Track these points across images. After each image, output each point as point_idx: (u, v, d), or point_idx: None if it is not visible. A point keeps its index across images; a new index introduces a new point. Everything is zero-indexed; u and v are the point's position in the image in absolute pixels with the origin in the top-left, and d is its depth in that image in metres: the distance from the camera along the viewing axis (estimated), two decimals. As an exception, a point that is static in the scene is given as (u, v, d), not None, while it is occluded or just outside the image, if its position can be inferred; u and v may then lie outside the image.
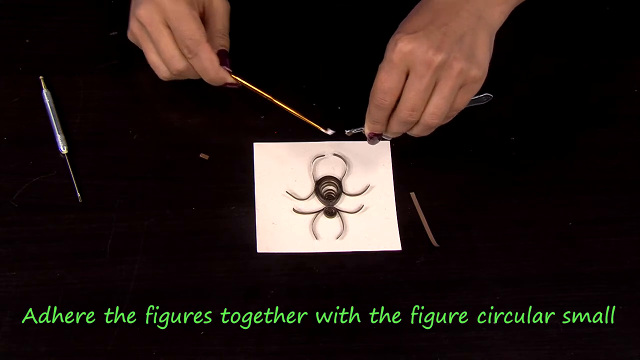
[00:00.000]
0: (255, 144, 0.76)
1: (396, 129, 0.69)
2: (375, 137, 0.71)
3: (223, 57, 0.72)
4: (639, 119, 0.78)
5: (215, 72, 0.71)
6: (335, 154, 0.76)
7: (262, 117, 0.78)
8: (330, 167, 0.76)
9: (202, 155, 0.75)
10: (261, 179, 0.75)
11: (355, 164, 0.76)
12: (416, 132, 0.70)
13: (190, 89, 0.76)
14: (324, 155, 0.76)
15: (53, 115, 0.76)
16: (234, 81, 0.73)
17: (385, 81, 0.67)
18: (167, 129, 0.77)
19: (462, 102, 0.68)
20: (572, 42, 0.82)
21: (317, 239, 0.73)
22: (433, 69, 0.65)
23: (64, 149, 0.75)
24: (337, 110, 0.78)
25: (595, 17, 0.83)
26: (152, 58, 0.73)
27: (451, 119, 0.70)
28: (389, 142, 0.76)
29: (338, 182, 0.75)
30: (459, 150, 0.73)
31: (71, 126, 0.76)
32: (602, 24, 0.83)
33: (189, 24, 0.69)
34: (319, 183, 0.75)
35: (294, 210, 0.74)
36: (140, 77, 0.78)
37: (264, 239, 0.72)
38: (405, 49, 0.65)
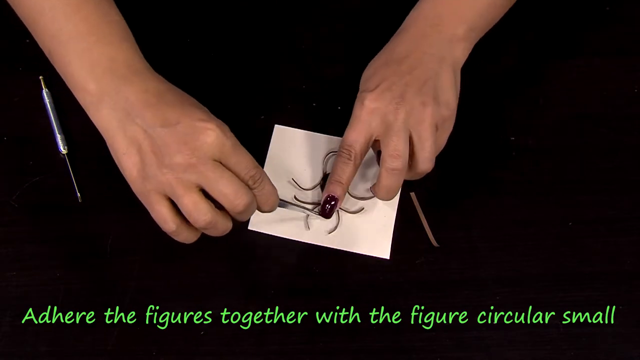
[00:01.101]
0: (276, 126, 0.77)
1: (387, 181, 0.68)
2: (332, 205, 0.70)
3: None
4: (639, 119, 0.78)
5: (276, 196, 0.67)
6: None
7: (262, 117, 0.78)
8: None
9: None
10: (271, 162, 0.75)
11: (366, 167, 0.75)
12: (410, 176, 0.70)
13: (191, 86, 0.76)
14: None
15: (53, 115, 0.76)
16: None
17: (350, 135, 0.68)
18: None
19: (442, 141, 0.70)
20: (572, 42, 0.82)
21: (308, 229, 0.73)
22: (402, 117, 0.67)
23: (64, 149, 0.75)
24: (337, 110, 0.78)
25: (595, 17, 0.83)
26: (204, 209, 0.62)
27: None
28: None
29: None
30: (459, 150, 0.73)
31: (71, 126, 0.76)
32: (601, 24, 0.83)
33: (246, 153, 0.64)
34: (326, 177, 0.75)
35: (295, 198, 0.74)
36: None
37: (256, 219, 0.72)
38: (370, 106, 0.67)
